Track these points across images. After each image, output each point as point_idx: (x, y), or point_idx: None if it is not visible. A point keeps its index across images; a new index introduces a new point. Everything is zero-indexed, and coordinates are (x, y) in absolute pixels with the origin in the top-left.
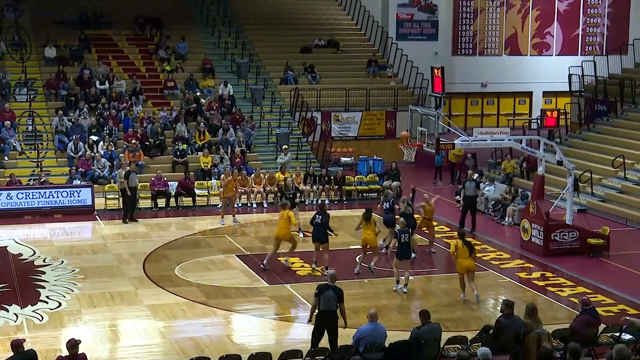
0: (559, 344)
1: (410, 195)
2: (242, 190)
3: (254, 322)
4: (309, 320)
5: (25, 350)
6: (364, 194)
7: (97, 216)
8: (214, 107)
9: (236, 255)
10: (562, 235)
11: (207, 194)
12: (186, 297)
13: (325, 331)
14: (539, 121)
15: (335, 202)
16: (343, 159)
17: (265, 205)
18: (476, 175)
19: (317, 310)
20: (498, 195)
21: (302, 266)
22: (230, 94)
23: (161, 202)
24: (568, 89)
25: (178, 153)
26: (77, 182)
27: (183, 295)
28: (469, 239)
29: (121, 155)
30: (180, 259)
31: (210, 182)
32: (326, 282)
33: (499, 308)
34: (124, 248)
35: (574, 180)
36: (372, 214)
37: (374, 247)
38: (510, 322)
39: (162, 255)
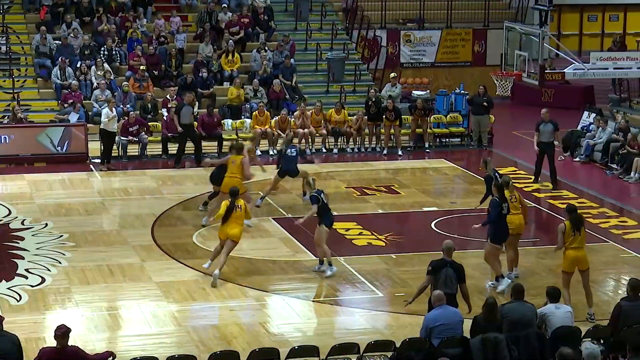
0: None
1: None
2: (278, 133)
3: (297, 306)
4: (409, 303)
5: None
6: (444, 140)
7: (91, 165)
8: (244, 23)
9: (273, 219)
10: None
11: (236, 137)
12: (208, 272)
13: None
14: None
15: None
16: (415, 93)
17: (308, 151)
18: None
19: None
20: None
21: (359, 234)
22: (267, 4)
23: (173, 149)
24: None
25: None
26: (73, 119)
27: (203, 270)
28: (579, 216)
29: (124, 84)
30: (200, 222)
31: (240, 121)
32: (442, 257)
33: (621, 291)
34: (127, 207)
35: None
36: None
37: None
38: (634, 307)
39: (177, 218)
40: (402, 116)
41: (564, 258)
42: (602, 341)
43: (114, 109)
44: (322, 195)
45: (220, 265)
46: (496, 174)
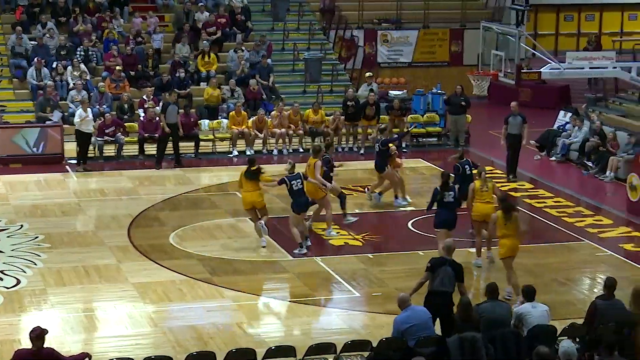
0: None
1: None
2: (255, 134)
3: (274, 307)
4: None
5: None
6: (420, 139)
7: (67, 166)
8: (221, 23)
9: (250, 219)
10: None
11: (212, 137)
12: (184, 273)
13: (438, 319)
14: None
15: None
16: (392, 93)
17: (284, 151)
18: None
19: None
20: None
21: (337, 233)
22: (245, 4)
23: (151, 149)
24: None
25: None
26: (55, 118)
27: (180, 270)
28: (514, 206)
29: (100, 84)
30: (178, 223)
31: (217, 122)
32: (442, 255)
33: (596, 290)
34: (103, 208)
35: None
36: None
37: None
38: (609, 305)
39: (154, 219)
40: (380, 116)
41: (500, 246)
42: (577, 339)
43: (88, 109)
44: (292, 181)
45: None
46: (466, 165)
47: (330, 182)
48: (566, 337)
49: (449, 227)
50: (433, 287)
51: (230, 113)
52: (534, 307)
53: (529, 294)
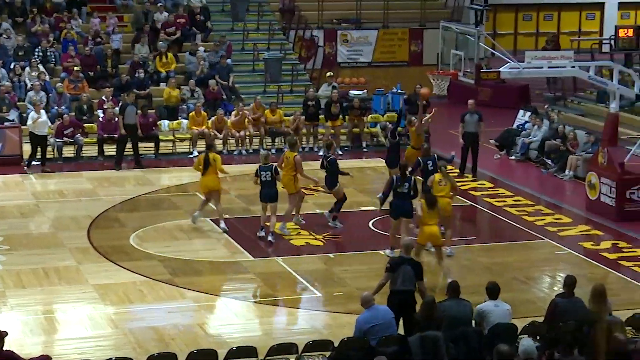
0: (636, 334)
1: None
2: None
3: (235, 307)
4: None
5: None
6: (380, 139)
7: (25, 167)
8: (180, 23)
9: (210, 220)
10: None
11: (172, 138)
12: (145, 274)
13: (402, 319)
14: (612, 42)
15: (347, 148)
16: (352, 93)
17: (244, 152)
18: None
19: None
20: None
21: (298, 234)
22: (204, 4)
23: (110, 150)
24: None
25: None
26: (12, 117)
27: (141, 272)
28: (433, 196)
29: (58, 85)
30: (138, 224)
31: (177, 122)
32: (400, 255)
33: (556, 288)
34: (63, 210)
35: None
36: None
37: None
38: (569, 304)
39: (114, 220)
40: (344, 114)
41: (420, 233)
42: (538, 338)
43: (42, 111)
44: (262, 172)
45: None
46: (429, 161)
47: (337, 184)
48: (526, 335)
49: (406, 215)
50: (395, 286)
51: (190, 113)
52: (496, 306)
53: (493, 292)
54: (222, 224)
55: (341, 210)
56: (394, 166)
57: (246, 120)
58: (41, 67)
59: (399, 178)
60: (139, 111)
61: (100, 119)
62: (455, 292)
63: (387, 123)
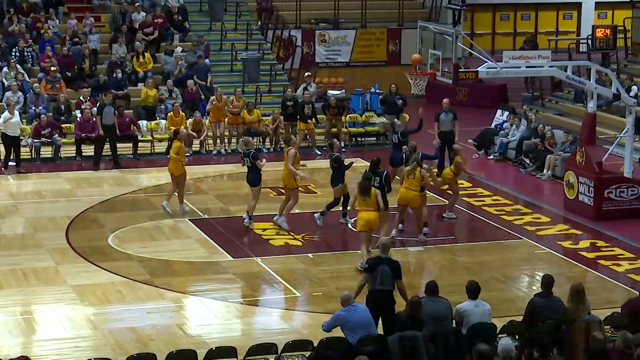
0: (613, 333)
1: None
2: (191, 135)
3: (214, 308)
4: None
5: None
6: (359, 139)
7: (2, 168)
8: (157, 24)
9: (189, 220)
10: (618, 192)
11: (151, 138)
12: (124, 274)
13: (380, 318)
14: (589, 42)
15: (325, 147)
16: (331, 93)
17: (222, 151)
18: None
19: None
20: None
21: (277, 234)
22: (181, 4)
23: (88, 151)
24: None
25: (117, 84)
26: None
27: (119, 272)
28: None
29: (35, 85)
30: (116, 224)
31: (155, 122)
32: (378, 255)
33: (535, 287)
34: (41, 210)
35: (634, 120)
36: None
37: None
38: (547, 303)
39: (92, 220)
40: (319, 115)
41: (358, 219)
42: (517, 337)
43: (15, 112)
44: (244, 157)
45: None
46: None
47: (343, 181)
48: (505, 335)
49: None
50: (373, 286)
51: (169, 114)
52: (476, 306)
53: (472, 292)
54: (165, 203)
55: (319, 210)
56: (398, 165)
57: (225, 107)
58: (19, 67)
59: (369, 171)
60: (116, 112)
61: (78, 119)
62: (433, 291)
63: (397, 120)
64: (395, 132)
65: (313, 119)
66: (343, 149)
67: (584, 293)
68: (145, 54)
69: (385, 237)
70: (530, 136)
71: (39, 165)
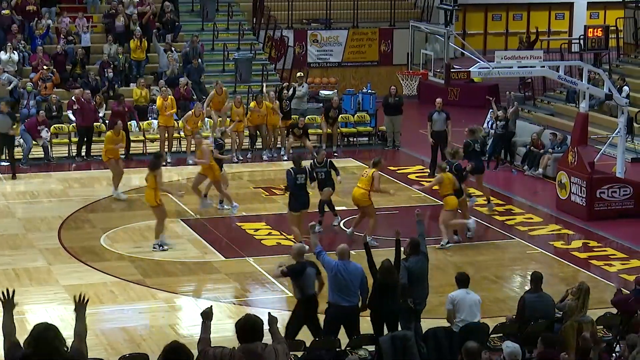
0: (606, 333)
1: None
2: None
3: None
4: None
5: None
6: (351, 139)
7: None
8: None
9: (181, 220)
10: (610, 193)
11: (143, 138)
12: (116, 275)
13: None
14: (581, 42)
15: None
16: (323, 93)
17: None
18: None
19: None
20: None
21: (269, 234)
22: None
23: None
24: None
25: (107, 84)
26: None
27: (111, 272)
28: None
29: (28, 84)
30: (108, 224)
31: (147, 122)
32: (297, 262)
33: (527, 287)
34: (33, 210)
35: (627, 120)
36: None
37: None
38: (537, 299)
39: (84, 221)
40: (311, 116)
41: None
42: (507, 334)
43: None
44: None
45: None
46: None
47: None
48: (502, 334)
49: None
50: (305, 293)
51: (188, 113)
52: (467, 294)
53: (462, 281)
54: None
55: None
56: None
57: (227, 104)
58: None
59: (295, 170)
60: (108, 112)
61: (71, 118)
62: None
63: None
64: (476, 141)
65: (290, 119)
66: (336, 154)
67: (589, 295)
68: (143, 39)
69: (298, 244)
70: (504, 130)
71: (32, 166)
